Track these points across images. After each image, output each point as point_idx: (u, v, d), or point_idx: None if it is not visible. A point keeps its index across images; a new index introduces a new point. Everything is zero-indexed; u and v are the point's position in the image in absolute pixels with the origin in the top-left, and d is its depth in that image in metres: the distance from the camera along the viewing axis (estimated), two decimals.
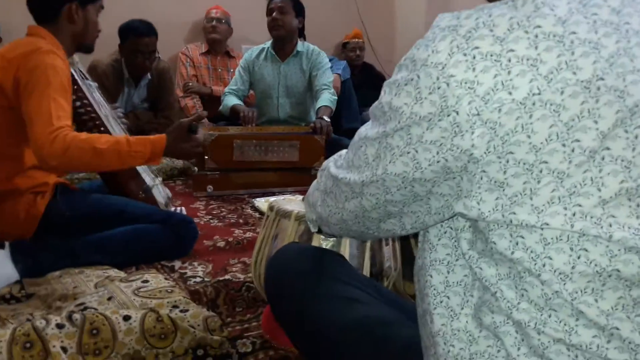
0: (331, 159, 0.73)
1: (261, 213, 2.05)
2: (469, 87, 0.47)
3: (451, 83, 0.47)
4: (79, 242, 1.39)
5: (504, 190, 0.48)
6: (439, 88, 0.48)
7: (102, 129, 1.64)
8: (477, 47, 0.47)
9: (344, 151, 0.71)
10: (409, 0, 4.35)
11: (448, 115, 0.48)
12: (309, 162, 2.49)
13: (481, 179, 0.48)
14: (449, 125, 0.48)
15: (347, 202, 0.63)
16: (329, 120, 2.58)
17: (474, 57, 0.47)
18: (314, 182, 0.83)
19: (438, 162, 0.50)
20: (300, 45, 2.85)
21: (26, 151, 1.40)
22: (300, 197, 2.17)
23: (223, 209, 2.11)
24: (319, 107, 2.67)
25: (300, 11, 2.80)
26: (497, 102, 0.46)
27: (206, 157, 2.28)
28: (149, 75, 2.77)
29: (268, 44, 2.88)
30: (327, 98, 2.69)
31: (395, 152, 0.53)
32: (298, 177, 2.47)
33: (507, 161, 0.47)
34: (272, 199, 2.18)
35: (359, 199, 0.60)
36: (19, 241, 1.37)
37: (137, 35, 2.58)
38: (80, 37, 1.50)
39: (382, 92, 0.56)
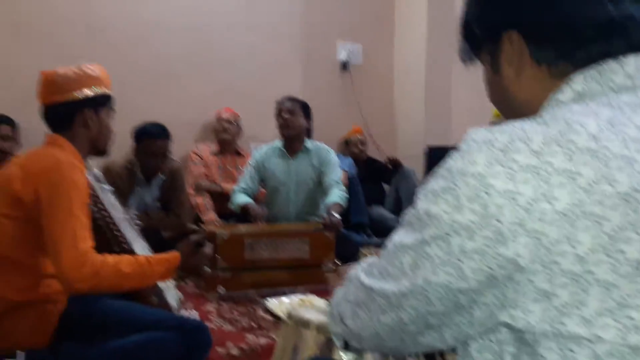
0: (360, 267, 0.70)
1: (273, 315, 2.00)
2: (510, 197, 0.48)
3: (492, 193, 0.49)
4: (93, 352, 1.35)
5: (551, 300, 0.47)
6: (479, 197, 0.49)
7: (117, 234, 1.65)
8: (515, 160, 0.49)
9: (372, 258, 0.69)
10: (408, 96, 4.56)
11: (490, 225, 0.49)
12: (320, 259, 2.48)
13: (527, 288, 0.48)
14: (492, 234, 0.49)
15: (383, 315, 0.60)
16: (339, 216, 2.61)
17: (513, 169, 0.49)
18: (340, 292, 0.77)
19: (482, 270, 0.50)
20: (309, 143, 2.96)
21: (41, 260, 1.39)
22: (317, 298, 2.14)
23: (235, 311, 2.07)
24: (329, 204, 2.70)
25: (307, 113, 2.95)
26: (539, 212, 0.47)
27: (217, 256, 2.28)
28: (161, 176, 2.84)
29: (277, 142, 2.99)
30: (337, 194, 2.74)
31: (436, 262, 0.52)
32: (309, 274, 2.45)
33: (553, 271, 0.47)
34: (285, 299, 2.15)
35: (397, 311, 0.58)
36: (33, 351, 1.32)
37: (151, 138, 2.68)
38: (96, 141, 1.54)
39: (417, 200, 0.56)
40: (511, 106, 0.66)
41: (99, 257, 1.28)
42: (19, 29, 3.10)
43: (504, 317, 0.51)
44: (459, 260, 0.51)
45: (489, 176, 0.49)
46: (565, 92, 0.57)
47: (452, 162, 0.53)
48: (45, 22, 3.17)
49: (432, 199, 0.53)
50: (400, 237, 0.58)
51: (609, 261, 0.46)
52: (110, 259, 1.31)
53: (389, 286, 0.59)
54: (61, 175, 1.33)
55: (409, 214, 0.58)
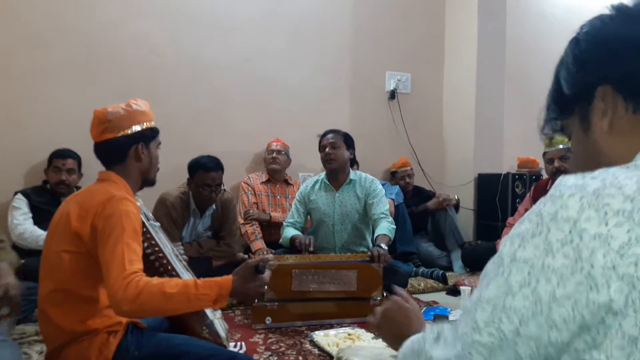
0: (424, 339, 0.69)
1: (320, 349, 2.00)
2: (603, 241, 0.48)
3: (584, 236, 0.49)
4: None
5: (637, 346, 0.46)
6: (571, 241, 0.49)
7: (169, 267, 1.71)
8: (607, 204, 0.49)
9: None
10: (457, 124, 4.51)
11: (582, 269, 0.48)
12: (367, 291, 2.46)
13: (616, 332, 0.47)
14: (584, 279, 0.48)
15: None
16: (386, 248, 2.59)
17: (606, 213, 0.49)
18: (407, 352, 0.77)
19: (574, 318, 0.49)
20: (353, 174, 2.98)
21: (102, 292, 1.46)
22: (364, 332, 2.12)
23: (282, 344, 2.07)
24: (377, 235, 2.69)
25: (350, 144, 2.97)
26: (632, 256, 0.47)
27: (266, 287, 2.30)
28: (213, 206, 2.93)
29: (322, 175, 3.03)
30: (385, 227, 2.73)
31: (525, 313, 0.52)
32: (356, 306, 2.43)
33: None
34: (332, 332, 2.14)
35: None
36: None
37: (206, 170, 2.77)
38: (146, 172, 1.62)
39: (501, 246, 0.56)
40: (599, 162, 0.65)
41: (144, 278, 1.30)
42: (85, 67, 3.33)
43: (587, 357, 0.50)
44: (549, 308, 0.50)
45: (582, 220, 0.50)
46: None
47: (542, 206, 0.54)
48: (109, 61, 3.39)
49: (519, 243, 0.54)
50: (479, 292, 0.58)
51: None
52: (155, 280, 1.32)
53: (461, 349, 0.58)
54: (114, 207, 1.39)
55: (487, 265, 0.58)
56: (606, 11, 0.67)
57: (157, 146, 1.66)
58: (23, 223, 2.73)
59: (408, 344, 0.79)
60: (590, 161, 0.67)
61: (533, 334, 0.51)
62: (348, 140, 2.97)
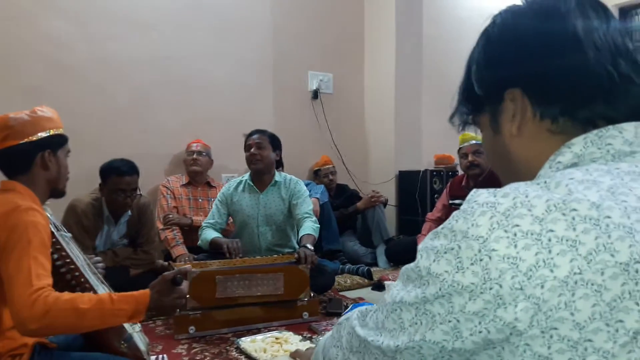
0: (353, 315, 0.71)
1: (247, 355, 1.95)
2: (511, 263, 0.48)
3: (493, 257, 0.49)
4: None
5: None
6: (481, 260, 0.50)
7: (82, 280, 1.59)
8: (517, 225, 0.50)
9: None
10: (379, 123, 4.62)
11: (491, 288, 0.49)
12: (295, 294, 2.43)
13: (524, 351, 0.48)
14: (492, 298, 0.49)
15: None
16: (312, 248, 2.58)
17: (515, 235, 0.49)
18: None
19: (480, 332, 0.50)
20: (278, 176, 2.94)
21: (4, 312, 1.33)
22: (292, 335, 2.10)
23: (207, 353, 2.00)
24: (302, 236, 2.68)
25: (277, 145, 2.94)
26: (539, 278, 0.47)
27: (187, 296, 2.21)
28: (129, 212, 2.76)
29: (246, 176, 2.97)
30: (309, 226, 2.72)
31: (436, 320, 0.53)
32: (284, 310, 2.40)
33: (552, 336, 0.47)
34: (259, 337, 2.10)
35: None
36: None
37: (119, 175, 2.60)
38: (54, 182, 1.52)
39: (419, 256, 0.57)
40: (510, 166, 0.66)
41: (53, 294, 1.22)
42: None
43: None
44: (457, 320, 0.51)
45: (492, 240, 0.50)
46: (566, 155, 0.58)
47: (455, 222, 0.54)
48: (13, 59, 3.10)
49: (434, 257, 0.54)
50: (400, 292, 0.59)
51: (607, 330, 0.46)
52: (66, 295, 1.25)
53: (384, 340, 0.60)
54: (18, 218, 1.29)
55: (409, 268, 0.59)
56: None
57: (66, 154, 1.55)
58: None
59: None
60: (501, 160, 0.68)
61: (438, 340, 0.53)
62: (274, 142, 2.93)
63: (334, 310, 2.57)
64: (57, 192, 1.55)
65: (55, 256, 1.52)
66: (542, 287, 0.47)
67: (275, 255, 2.74)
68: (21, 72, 3.12)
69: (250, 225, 2.91)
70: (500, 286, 0.49)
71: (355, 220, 4.02)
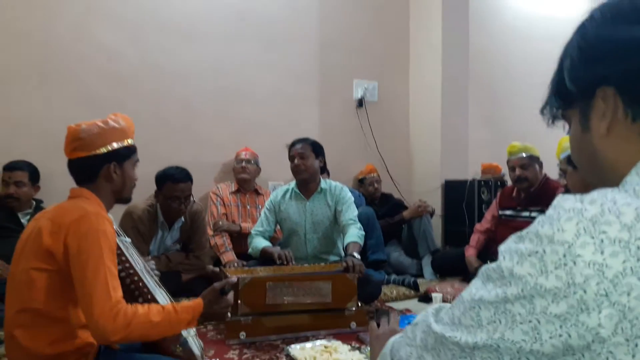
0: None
1: None
2: (597, 269, 0.48)
3: (578, 262, 0.49)
4: None
5: None
6: (565, 265, 0.50)
7: (140, 284, 1.65)
8: (604, 232, 0.49)
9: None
10: (424, 131, 4.58)
11: (575, 293, 0.49)
12: (342, 302, 2.44)
13: (607, 359, 0.48)
14: (576, 302, 0.49)
15: None
16: (359, 257, 2.58)
17: (602, 241, 0.49)
18: (397, 338, 0.79)
19: (560, 336, 0.50)
20: (324, 183, 2.96)
21: (73, 312, 1.40)
22: (340, 344, 2.10)
23: (257, 359, 2.03)
24: (348, 244, 2.68)
25: (319, 152, 2.95)
26: (626, 286, 0.47)
27: (239, 301, 2.26)
28: (182, 218, 2.85)
29: (292, 184, 3.00)
30: (355, 234, 2.72)
31: (517, 319, 0.53)
32: (331, 318, 2.41)
33: (637, 345, 0.47)
34: (307, 345, 2.11)
35: (467, 359, 0.59)
36: None
37: (174, 182, 2.70)
38: (119, 192, 1.57)
39: (501, 257, 0.58)
40: (596, 166, 0.65)
41: (130, 308, 1.30)
42: (46, 78, 3.20)
43: None
44: (538, 321, 0.51)
45: (577, 246, 0.50)
46: None
47: (540, 227, 0.54)
48: (71, 71, 3.27)
49: (517, 259, 0.54)
50: (479, 290, 0.59)
51: None
52: (141, 309, 1.33)
53: (461, 336, 0.60)
54: (89, 225, 1.34)
55: (490, 268, 0.59)
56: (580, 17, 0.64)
57: (133, 165, 1.60)
58: None
59: (391, 339, 0.81)
60: (587, 159, 0.66)
61: (517, 340, 0.53)
62: (317, 149, 2.95)
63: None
64: (122, 199, 1.62)
65: (120, 267, 1.58)
66: (629, 294, 0.47)
67: (323, 264, 2.75)
68: (80, 82, 3.28)
69: (298, 233, 2.93)
70: (585, 292, 0.48)
71: (400, 230, 3.98)
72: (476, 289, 0.60)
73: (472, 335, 0.58)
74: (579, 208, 0.52)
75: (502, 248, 0.59)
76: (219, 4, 3.76)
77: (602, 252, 0.49)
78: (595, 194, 0.54)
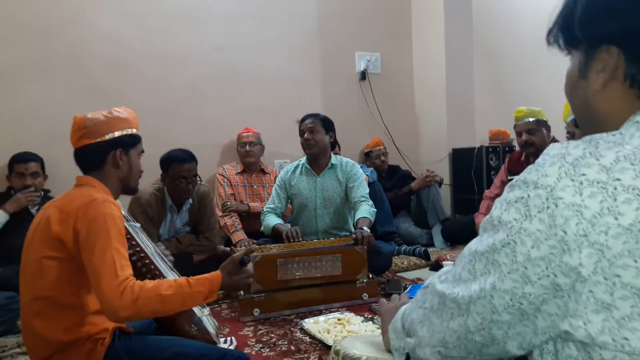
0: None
1: (311, 336, 1.99)
2: (576, 210, 0.50)
3: (559, 204, 0.51)
4: None
5: (611, 312, 0.49)
6: (547, 208, 0.52)
7: (152, 267, 1.67)
8: (583, 174, 0.51)
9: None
10: (429, 101, 4.53)
11: (555, 234, 0.51)
12: (353, 274, 2.46)
13: (588, 299, 0.50)
14: (557, 243, 0.51)
15: (452, 320, 0.63)
16: (369, 230, 2.59)
17: (581, 183, 0.50)
18: (409, 304, 0.81)
19: (547, 276, 0.52)
20: (334, 159, 2.95)
21: (86, 298, 1.42)
22: (353, 316, 2.12)
23: (272, 335, 2.06)
24: (358, 219, 2.68)
25: (329, 127, 2.94)
26: (603, 225, 0.49)
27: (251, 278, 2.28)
28: (190, 200, 2.86)
29: (303, 160, 3.00)
30: (365, 209, 2.72)
31: (503, 270, 0.55)
32: (343, 290, 2.43)
33: (614, 284, 0.48)
34: (321, 318, 2.14)
35: (464, 317, 0.61)
36: None
37: (179, 162, 2.71)
38: (126, 180, 1.58)
39: (493, 207, 0.60)
40: (586, 112, 0.65)
41: (138, 283, 1.30)
42: (49, 67, 3.19)
43: (565, 326, 0.52)
44: (524, 267, 0.53)
45: (558, 189, 0.52)
46: None
47: (527, 174, 0.56)
48: (74, 59, 3.26)
49: (505, 207, 0.57)
50: (475, 244, 0.62)
51: None
52: (149, 283, 1.33)
53: (459, 290, 0.62)
54: (97, 210, 1.35)
55: (485, 220, 0.61)
56: None
57: (138, 154, 1.61)
58: None
59: (404, 306, 0.84)
60: (580, 104, 0.66)
61: (508, 288, 0.55)
62: (327, 124, 2.93)
63: (393, 291, 2.57)
64: (128, 189, 1.62)
65: (130, 251, 1.59)
66: (606, 234, 0.48)
67: (333, 238, 2.76)
68: (82, 70, 3.27)
69: (308, 208, 2.94)
70: (565, 232, 0.50)
71: (409, 201, 3.98)
72: (474, 242, 0.62)
73: (468, 288, 0.60)
74: (562, 153, 0.54)
75: (496, 199, 0.60)
76: None
77: (580, 194, 0.50)
78: (581, 140, 0.55)
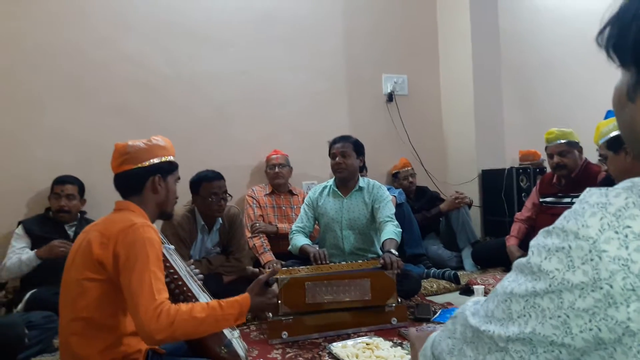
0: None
1: None
2: (622, 264, 0.48)
3: (604, 258, 0.49)
4: None
5: None
6: (591, 260, 0.50)
7: (184, 289, 1.71)
8: (629, 227, 0.49)
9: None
10: (457, 122, 4.50)
11: (601, 288, 0.49)
12: (382, 299, 2.44)
13: (638, 352, 0.48)
14: (602, 297, 0.49)
15: (490, 354, 0.62)
16: (397, 253, 2.57)
17: (626, 236, 0.49)
18: (439, 332, 0.80)
19: (590, 330, 0.50)
20: (362, 181, 2.97)
21: (123, 320, 1.46)
22: (382, 341, 2.10)
23: (300, 358, 2.06)
24: (385, 240, 2.67)
25: (360, 151, 2.96)
26: None
27: (279, 301, 2.29)
28: (220, 220, 2.92)
29: (331, 181, 3.02)
30: (391, 231, 2.71)
31: (546, 314, 0.54)
32: (372, 316, 2.41)
33: None
34: (349, 343, 2.13)
35: (502, 353, 0.60)
36: None
37: (209, 181, 2.79)
38: (163, 205, 1.64)
39: (530, 252, 0.58)
40: (632, 135, 0.61)
41: (173, 307, 1.33)
42: (78, 88, 3.31)
43: None
44: (567, 316, 0.52)
45: (602, 241, 0.50)
46: None
47: (565, 222, 0.55)
48: (103, 81, 3.37)
49: (545, 255, 0.55)
50: (511, 284, 0.60)
51: None
52: (184, 306, 1.37)
53: (494, 328, 0.61)
54: (136, 234, 1.40)
55: (522, 262, 0.60)
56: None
57: (175, 180, 1.68)
58: (12, 258, 2.68)
59: (433, 334, 0.82)
60: (625, 125, 0.62)
61: (548, 334, 0.53)
62: (358, 148, 2.95)
63: (422, 315, 2.54)
64: (165, 214, 1.68)
65: (165, 273, 1.64)
66: None
67: (361, 261, 2.75)
68: (109, 93, 3.38)
69: (334, 229, 2.95)
70: (611, 287, 0.48)
71: (438, 223, 3.94)
72: (509, 282, 0.61)
73: (504, 328, 0.59)
74: (603, 202, 0.52)
75: (532, 243, 0.59)
76: (243, 9, 3.80)
77: (626, 247, 0.49)
78: (621, 187, 0.53)
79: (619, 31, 0.58)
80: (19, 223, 2.86)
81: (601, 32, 0.61)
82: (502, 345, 0.60)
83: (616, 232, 0.50)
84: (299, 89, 3.98)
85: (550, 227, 0.57)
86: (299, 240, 2.85)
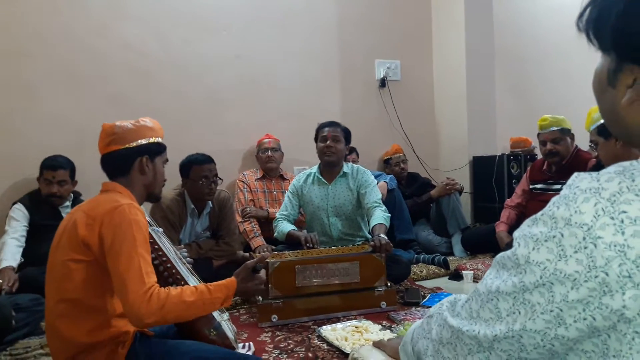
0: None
1: (328, 343, 1.99)
2: (619, 251, 0.47)
3: (599, 244, 0.48)
4: None
5: None
6: (585, 248, 0.49)
7: (173, 271, 1.70)
8: (624, 212, 0.48)
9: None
10: (450, 109, 4.50)
11: (596, 276, 0.48)
12: (371, 281, 2.45)
13: (633, 339, 0.47)
14: (597, 286, 0.48)
15: (471, 355, 0.61)
16: (386, 237, 2.58)
17: (622, 222, 0.48)
18: (416, 328, 0.80)
19: (585, 319, 0.49)
20: (346, 167, 2.96)
21: (110, 301, 1.44)
22: (371, 324, 2.11)
23: (290, 341, 2.06)
24: (374, 225, 2.67)
25: (348, 138, 2.96)
26: None
27: (269, 285, 2.29)
28: (210, 204, 2.90)
29: (314, 168, 3.01)
30: (380, 215, 2.71)
31: (536, 310, 0.52)
32: (361, 298, 2.42)
33: None
34: (339, 326, 2.13)
35: (486, 353, 0.59)
36: None
37: (200, 164, 2.77)
38: (150, 186, 1.62)
39: (516, 244, 0.56)
40: (614, 119, 0.61)
41: (163, 291, 1.33)
42: (73, 74, 3.28)
43: None
44: (560, 309, 0.50)
45: (597, 228, 0.49)
46: None
47: (555, 209, 0.53)
48: (97, 67, 3.34)
49: (533, 245, 0.53)
50: (494, 281, 0.58)
51: None
52: (174, 290, 1.37)
53: (479, 329, 0.59)
54: (122, 216, 1.38)
55: (504, 256, 0.58)
56: None
57: (163, 162, 1.66)
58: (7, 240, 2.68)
59: (412, 327, 0.82)
60: (608, 114, 0.62)
61: (540, 329, 0.52)
62: (347, 135, 2.96)
63: (411, 299, 2.55)
64: (152, 196, 1.66)
65: (153, 255, 1.62)
66: None
67: (351, 245, 2.76)
68: (105, 80, 3.35)
69: (321, 217, 2.95)
70: (607, 274, 0.47)
71: (428, 209, 3.95)
72: (491, 279, 0.59)
73: (491, 328, 0.58)
74: (595, 187, 0.51)
75: (517, 234, 0.57)
76: None
77: (622, 233, 0.48)
78: (613, 171, 0.52)
79: (598, 15, 0.58)
80: (13, 204, 2.83)
81: (581, 15, 0.60)
82: (486, 345, 0.58)
83: (612, 218, 0.48)
84: (292, 74, 3.95)
85: (537, 215, 0.55)
86: (285, 227, 2.85)
